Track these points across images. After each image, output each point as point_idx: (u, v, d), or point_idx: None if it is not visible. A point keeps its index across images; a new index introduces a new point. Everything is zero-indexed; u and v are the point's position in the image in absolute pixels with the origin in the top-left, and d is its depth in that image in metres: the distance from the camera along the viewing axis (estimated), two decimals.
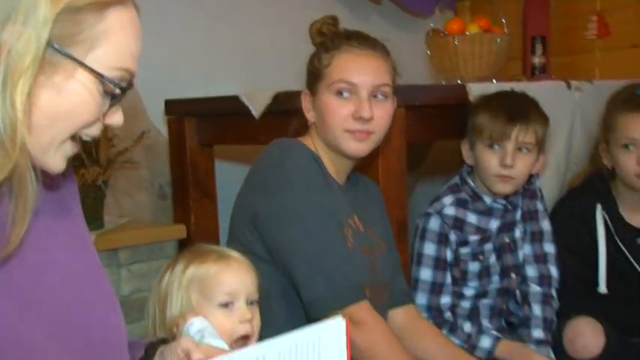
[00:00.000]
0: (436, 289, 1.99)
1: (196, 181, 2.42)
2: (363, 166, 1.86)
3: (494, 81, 2.44)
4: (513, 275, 2.07)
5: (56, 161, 0.97)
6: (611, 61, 3.01)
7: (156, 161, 2.62)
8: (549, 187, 2.27)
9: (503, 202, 2.05)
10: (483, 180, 2.01)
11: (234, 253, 1.40)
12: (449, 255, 2.01)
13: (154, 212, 2.65)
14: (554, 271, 2.11)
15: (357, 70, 1.63)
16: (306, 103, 1.71)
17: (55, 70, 0.91)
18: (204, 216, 2.43)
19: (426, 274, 1.99)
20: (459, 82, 2.42)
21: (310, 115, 1.70)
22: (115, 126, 1.01)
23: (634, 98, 2.14)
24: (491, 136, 1.95)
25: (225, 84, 2.52)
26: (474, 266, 2.03)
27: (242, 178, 1.73)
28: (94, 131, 0.98)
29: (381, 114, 1.65)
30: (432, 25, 2.56)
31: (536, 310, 2.06)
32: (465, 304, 2.05)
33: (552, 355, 2.00)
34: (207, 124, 2.41)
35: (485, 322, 2.05)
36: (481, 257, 2.03)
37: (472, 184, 2.05)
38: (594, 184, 2.22)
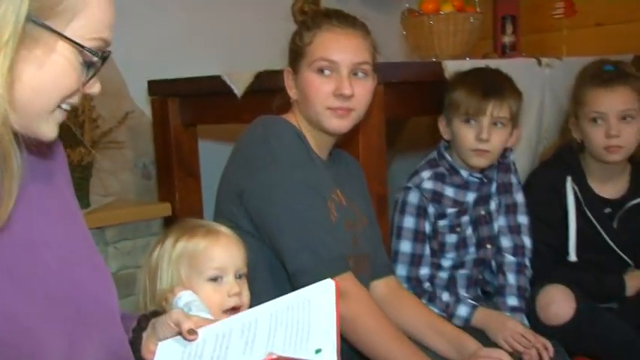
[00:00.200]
0: (415, 260, 1.98)
1: (180, 161, 2.38)
2: (344, 142, 1.84)
3: (467, 59, 2.43)
4: (489, 246, 2.08)
5: (49, 129, 0.96)
6: (578, 39, 3.01)
7: (139, 141, 2.58)
8: (522, 161, 2.27)
9: (479, 175, 2.04)
10: (460, 154, 2.01)
11: (223, 228, 1.38)
12: (427, 227, 2.00)
13: (139, 191, 2.62)
14: (527, 241, 2.11)
15: (338, 49, 1.61)
16: (288, 80, 1.69)
17: (36, 44, 0.89)
18: (189, 194, 2.40)
19: (405, 246, 1.98)
20: (433, 60, 2.41)
21: (293, 93, 1.68)
22: (94, 94, 1.01)
23: (601, 74, 2.14)
24: (468, 111, 1.94)
25: (208, 64, 2.48)
26: (451, 238, 2.02)
27: (225, 157, 1.71)
28: (75, 100, 0.97)
29: (362, 91, 1.64)
30: (407, 5, 2.53)
31: (511, 279, 2.06)
32: (443, 275, 2.05)
33: (526, 322, 2.01)
34: (190, 104, 2.37)
35: (463, 292, 2.06)
36: (458, 229, 2.02)
37: (449, 158, 2.04)
38: (564, 157, 2.22)
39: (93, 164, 2.27)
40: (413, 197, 2.00)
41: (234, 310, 1.30)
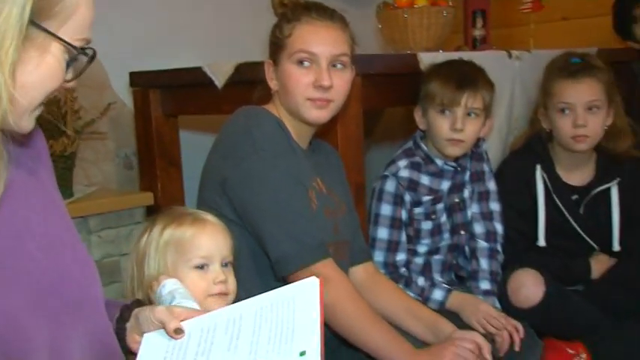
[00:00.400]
0: (392, 246, 1.97)
1: (162, 151, 2.35)
2: (323, 132, 1.82)
3: (440, 51, 2.41)
4: (462, 232, 2.07)
5: (30, 123, 0.95)
6: (545, 33, 3.02)
7: (121, 132, 2.54)
8: (493, 150, 2.27)
9: (454, 164, 2.03)
10: (435, 144, 2.00)
11: (210, 217, 1.36)
12: (404, 215, 1.99)
13: (120, 181, 2.58)
14: (499, 227, 2.11)
15: (317, 41, 1.59)
16: (269, 72, 1.66)
17: (32, 45, 0.87)
18: (171, 183, 2.37)
19: (382, 233, 1.97)
20: (408, 52, 2.40)
21: (273, 84, 1.66)
22: (70, 88, 0.99)
23: (568, 66, 2.14)
24: (443, 102, 1.93)
25: (189, 56, 2.44)
26: (426, 225, 2.02)
27: (206, 147, 1.68)
28: (54, 94, 0.96)
29: (340, 82, 1.62)
30: None
31: (483, 263, 2.06)
32: (419, 260, 2.04)
33: (498, 305, 2.01)
34: (172, 96, 2.33)
35: (437, 276, 2.05)
36: (433, 216, 2.02)
37: (425, 147, 2.03)
38: (534, 146, 2.22)
39: (76, 154, 2.22)
40: (390, 185, 1.98)
41: (221, 295, 1.28)
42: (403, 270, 1.97)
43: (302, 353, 0.94)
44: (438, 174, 2.03)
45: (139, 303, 1.16)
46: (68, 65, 0.93)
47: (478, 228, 2.09)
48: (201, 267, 1.29)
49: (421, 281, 1.96)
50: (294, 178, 1.55)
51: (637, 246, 2.20)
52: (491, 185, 2.12)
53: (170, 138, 2.37)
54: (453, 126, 1.93)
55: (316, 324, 0.97)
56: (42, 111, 0.96)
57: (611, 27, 2.71)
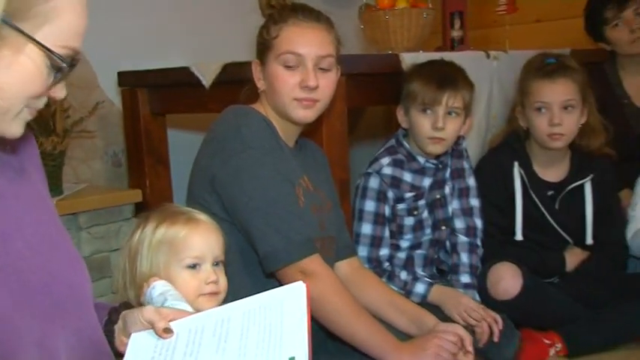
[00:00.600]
0: (376, 242, 1.96)
1: (150, 149, 2.31)
2: (309, 130, 1.80)
3: (421, 52, 2.40)
4: (443, 228, 2.07)
5: (14, 129, 0.91)
6: (519, 34, 3.03)
7: (109, 130, 2.50)
8: (472, 147, 2.27)
9: (435, 161, 2.03)
10: (417, 142, 1.99)
11: (202, 216, 1.33)
12: (387, 211, 1.98)
13: (109, 178, 2.54)
14: (478, 222, 2.10)
15: (303, 42, 1.57)
16: (256, 72, 1.64)
17: (5, 44, 0.84)
18: (159, 181, 2.34)
19: (366, 228, 1.96)
20: (390, 52, 2.38)
21: (260, 84, 1.64)
22: (58, 99, 0.95)
23: (544, 66, 2.14)
24: (424, 101, 1.92)
25: (176, 56, 2.41)
26: (409, 220, 2.01)
27: (193, 145, 1.66)
28: (40, 104, 0.93)
29: (326, 83, 1.60)
30: (364, 0, 2.49)
31: (464, 258, 2.06)
32: (401, 255, 2.03)
33: (477, 297, 2.01)
34: (159, 95, 2.30)
35: (419, 270, 2.05)
36: (415, 212, 2.01)
37: (407, 145, 2.02)
38: (511, 144, 2.22)
39: (65, 153, 2.18)
40: (373, 182, 1.97)
41: (212, 294, 1.25)
42: (386, 264, 1.96)
43: (291, 359, 0.93)
44: (420, 171, 2.02)
45: (127, 305, 1.13)
46: (57, 73, 0.89)
47: (458, 223, 2.09)
48: (193, 266, 1.27)
49: (404, 275, 1.95)
50: (282, 175, 1.53)
51: (608, 240, 2.22)
52: (471, 181, 2.12)
53: (158, 136, 2.34)
54: (434, 125, 1.92)
55: (304, 329, 0.95)
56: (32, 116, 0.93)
57: (583, 29, 2.71)
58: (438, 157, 2.02)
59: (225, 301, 1.28)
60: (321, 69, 1.58)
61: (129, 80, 2.32)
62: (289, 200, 1.53)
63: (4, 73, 0.85)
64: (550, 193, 2.20)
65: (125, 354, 1.02)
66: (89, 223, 2.15)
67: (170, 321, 1.04)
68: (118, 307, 1.11)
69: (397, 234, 2.01)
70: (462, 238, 2.07)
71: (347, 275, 1.74)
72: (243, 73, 1.72)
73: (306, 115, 1.60)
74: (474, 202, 2.11)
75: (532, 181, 2.18)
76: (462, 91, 1.93)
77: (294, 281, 1.06)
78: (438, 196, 2.04)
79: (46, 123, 2.07)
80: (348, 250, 1.80)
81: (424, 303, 1.87)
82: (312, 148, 1.79)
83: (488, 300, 2.01)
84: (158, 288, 1.19)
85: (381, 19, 2.41)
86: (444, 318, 1.78)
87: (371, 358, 1.50)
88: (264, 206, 1.49)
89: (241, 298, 1.08)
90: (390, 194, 1.98)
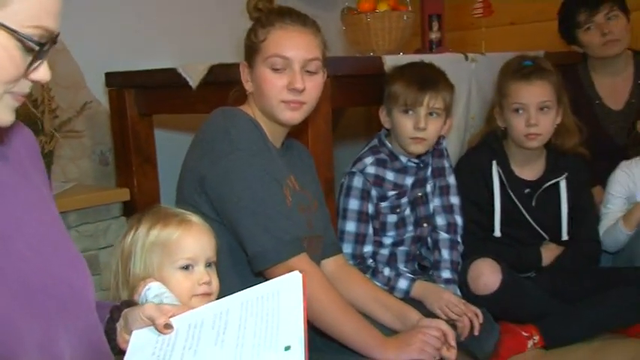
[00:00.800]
0: (360, 239, 1.95)
1: (137, 148, 2.28)
2: (295, 130, 1.78)
3: (401, 53, 2.40)
4: (425, 225, 2.06)
5: (2, 114, 0.86)
6: (495, 36, 3.03)
7: (97, 130, 2.46)
8: (452, 146, 2.26)
9: (417, 161, 2.02)
10: (399, 142, 1.98)
11: (195, 218, 1.31)
12: (370, 209, 1.98)
13: (96, 177, 2.50)
14: (459, 219, 2.10)
15: (290, 46, 1.55)
16: (244, 74, 1.62)
17: None
18: (146, 179, 2.30)
19: (350, 226, 1.95)
20: (371, 54, 2.37)
21: (248, 86, 1.62)
22: (41, 82, 0.89)
23: (521, 69, 2.15)
24: (406, 102, 1.92)
25: (164, 57, 2.37)
26: (391, 218, 2.00)
27: (180, 145, 1.63)
28: (23, 88, 0.87)
29: (313, 85, 1.58)
30: (346, 3, 2.47)
31: (445, 254, 2.06)
32: (384, 252, 2.03)
33: (458, 292, 2.01)
34: (147, 95, 2.26)
35: (402, 266, 2.05)
36: (398, 210, 2.00)
37: (389, 145, 2.01)
38: (489, 143, 2.22)
39: (53, 152, 2.14)
40: (357, 181, 1.96)
41: (204, 295, 1.23)
42: (370, 261, 1.96)
43: (287, 348, 0.91)
44: (402, 170, 2.01)
45: (129, 303, 1.11)
46: (32, 54, 0.84)
47: (439, 220, 2.08)
48: (186, 268, 1.25)
49: (387, 271, 1.94)
50: (270, 176, 1.51)
51: (582, 235, 2.23)
52: (452, 180, 2.12)
53: (145, 136, 2.30)
54: (416, 125, 1.91)
55: (300, 319, 0.94)
56: (19, 106, 0.88)
57: (556, 31, 2.72)
58: (419, 156, 2.02)
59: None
60: (307, 72, 1.56)
61: (116, 81, 2.28)
62: (277, 200, 1.51)
63: None
64: (527, 190, 2.20)
65: (127, 351, 1.00)
66: (78, 221, 2.11)
67: (170, 317, 1.02)
68: (120, 306, 1.09)
69: (380, 231, 2.00)
70: (443, 235, 2.07)
71: (333, 272, 1.73)
72: (229, 75, 1.70)
73: (293, 116, 1.58)
74: (454, 199, 2.11)
75: (510, 179, 2.18)
76: (442, 93, 1.93)
77: None
78: (419, 194, 2.04)
79: (34, 123, 2.03)
80: (334, 247, 1.78)
81: (407, 298, 1.86)
82: (298, 149, 1.77)
83: (468, 295, 2.01)
84: (154, 289, 1.17)
85: (362, 22, 2.40)
86: (427, 313, 1.77)
87: (357, 353, 1.49)
88: (253, 206, 1.47)
89: None
90: (374, 193, 1.97)
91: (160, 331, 1.00)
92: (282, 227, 1.48)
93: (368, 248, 1.96)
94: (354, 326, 1.49)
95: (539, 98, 2.08)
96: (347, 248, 1.93)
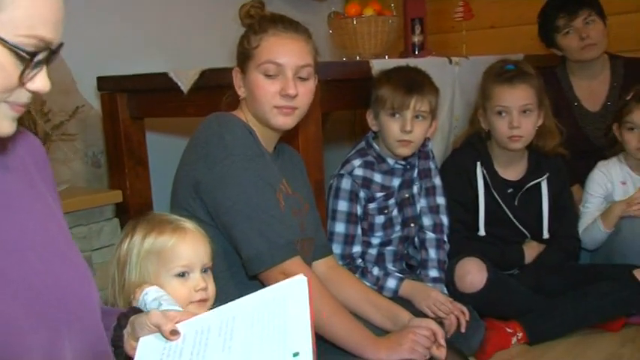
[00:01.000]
0: (349, 240, 1.94)
1: (130, 151, 2.24)
2: (287, 133, 1.75)
3: (387, 57, 2.38)
4: (412, 225, 2.05)
5: (3, 126, 0.83)
6: (475, 39, 3.04)
7: (89, 133, 2.42)
8: (437, 148, 2.26)
9: (403, 162, 2.01)
10: (387, 144, 1.97)
11: (189, 224, 1.28)
12: (359, 210, 1.96)
13: (89, 179, 2.46)
14: (445, 219, 2.10)
15: (283, 52, 1.53)
16: (237, 80, 1.59)
17: None
18: (138, 182, 2.26)
19: (340, 227, 1.94)
20: (357, 58, 2.36)
21: (241, 91, 1.59)
22: (40, 92, 0.85)
23: (504, 73, 2.14)
24: (393, 106, 1.91)
25: (155, 62, 2.33)
26: (379, 219, 1.99)
27: (172, 147, 1.61)
28: (21, 98, 0.83)
29: (305, 91, 1.56)
30: (333, 8, 2.46)
31: (432, 253, 2.05)
32: (373, 251, 2.02)
33: (445, 291, 2.00)
34: (138, 99, 2.22)
35: (390, 266, 2.04)
36: (386, 211, 1.99)
37: (377, 147, 2.00)
38: (473, 145, 2.21)
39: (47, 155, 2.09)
40: (346, 183, 1.95)
41: (201, 302, 1.21)
42: (359, 261, 1.94)
43: (295, 354, 0.89)
44: (390, 172, 2.00)
45: (135, 310, 1.08)
46: (32, 65, 0.80)
47: (426, 220, 2.08)
48: (182, 275, 1.22)
49: (376, 271, 1.93)
50: (264, 181, 1.49)
51: (562, 233, 2.23)
52: (437, 181, 2.11)
53: (137, 139, 2.26)
54: (402, 128, 1.90)
55: (308, 324, 0.92)
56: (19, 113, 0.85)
57: (535, 35, 2.71)
58: (406, 158, 2.00)
59: (212, 305, 1.24)
60: (300, 78, 1.55)
61: (108, 85, 2.24)
62: (271, 205, 1.49)
63: None
64: (510, 190, 2.20)
65: (134, 358, 0.98)
66: (72, 223, 2.07)
67: (177, 323, 1.00)
68: (127, 313, 1.07)
69: (368, 231, 1.99)
70: (430, 235, 2.06)
71: (324, 274, 1.72)
72: (220, 79, 1.67)
73: (286, 121, 1.56)
74: (440, 200, 2.10)
75: (493, 179, 2.17)
76: (428, 96, 1.92)
77: (277, 282, 1.02)
78: (406, 196, 2.03)
79: (27, 127, 1.98)
80: (325, 249, 1.77)
81: (395, 297, 1.85)
82: (289, 153, 1.75)
83: (455, 293, 2.00)
84: (151, 293, 1.15)
85: (349, 26, 2.39)
86: (415, 311, 1.77)
87: (350, 353, 1.48)
88: (248, 211, 1.45)
89: (224, 300, 1.04)
90: (362, 194, 1.95)
91: (166, 338, 0.98)
92: (277, 231, 1.46)
93: (357, 248, 1.94)
94: (346, 327, 1.48)
95: (521, 101, 2.08)
96: (336, 249, 1.92)
